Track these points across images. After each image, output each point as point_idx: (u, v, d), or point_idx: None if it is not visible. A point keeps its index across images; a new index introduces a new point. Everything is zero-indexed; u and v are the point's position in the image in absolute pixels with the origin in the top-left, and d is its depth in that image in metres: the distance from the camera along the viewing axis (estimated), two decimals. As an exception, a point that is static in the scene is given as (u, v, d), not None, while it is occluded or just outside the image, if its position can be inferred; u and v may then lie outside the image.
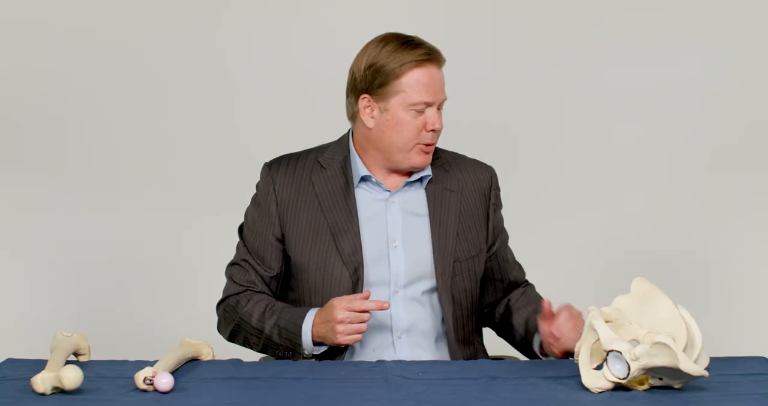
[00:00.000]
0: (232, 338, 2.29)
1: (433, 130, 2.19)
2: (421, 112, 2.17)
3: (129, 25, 3.68)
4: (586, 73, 3.71)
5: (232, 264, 2.32)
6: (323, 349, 2.14)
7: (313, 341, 2.12)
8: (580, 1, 3.71)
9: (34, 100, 3.68)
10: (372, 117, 2.20)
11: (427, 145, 2.20)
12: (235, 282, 2.28)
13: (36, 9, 3.67)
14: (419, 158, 2.21)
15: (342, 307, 2.05)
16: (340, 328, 2.05)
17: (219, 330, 2.34)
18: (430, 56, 2.19)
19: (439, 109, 2.21)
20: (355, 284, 2.17)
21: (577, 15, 3.71)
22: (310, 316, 2.12)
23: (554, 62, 3.72)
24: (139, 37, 3.68)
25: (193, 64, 3.71)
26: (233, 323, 2.25)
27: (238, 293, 2.27)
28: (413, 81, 2.17)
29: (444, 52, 3.57)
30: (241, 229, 2.33)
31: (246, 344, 2.27)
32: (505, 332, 2.35)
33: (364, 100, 2.20)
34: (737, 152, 3.70)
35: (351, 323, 2.05)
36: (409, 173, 2.26)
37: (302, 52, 3.63)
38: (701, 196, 3.72)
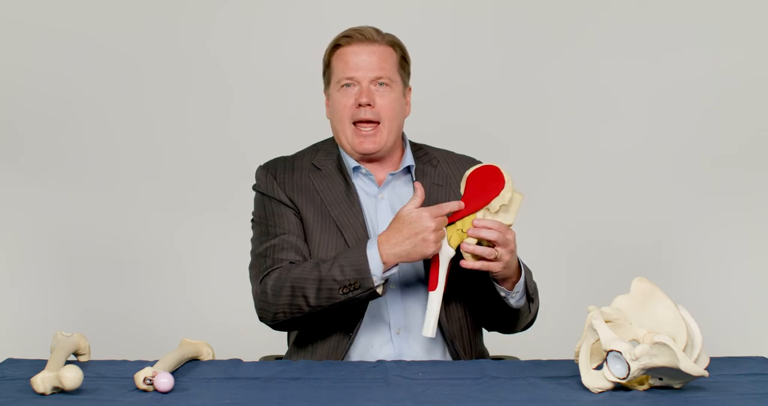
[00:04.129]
0: (278, 315, 2.14)
1: (361, 105, 2.20)
2: (349, 89, 2.22)
3: (126, 28, 3.69)
4: (587, 74, 3.72)
5: (261, 245, 2.22)
6: (392, 272, 2.08)
7: (384, 265, 2.05)
8: (584, 2, 3.72)
9: (30, 102, 3.70)
10: (328, 107, 2.30)
11: (361, 122, 2.21)
12: (275, 258, 2.18)
13: (32, 12, 3.67)
14: (358, 141, 2.22)
15: (431, 215, 2.01)
16: (433, 237, 2.01)
17: (262, 314, 2.17)
18: (351, 37, 2.23)
19: (381, 87, 2.21)
20: None
21: (579, 16, 3.72)
22: (373, 242, 2.07)
23: (555, 64, 3.72)
24: (136, 39, 3.70)
25: (188, 66, 3.72)
26: (282, 290, 2.11)
27: (279, 267, 2.16)
28: (336, 61, 2.25)
29: (444, 53, 3.58)
30: (255, 228, 2.29)
31: (297, 313, 2.11)
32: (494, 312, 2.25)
33: (325, 95, 2.31)
34: (739, 152, 3.71)
35: (439, 229, 2.02)
36: (394, 165, 2.29)
37: (297, 53, 3.64)
38: (702, 196, 3.73)
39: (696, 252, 3.73)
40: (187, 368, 1.94)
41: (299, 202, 2.24)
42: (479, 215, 2.02)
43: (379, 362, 2.01)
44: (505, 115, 3.71)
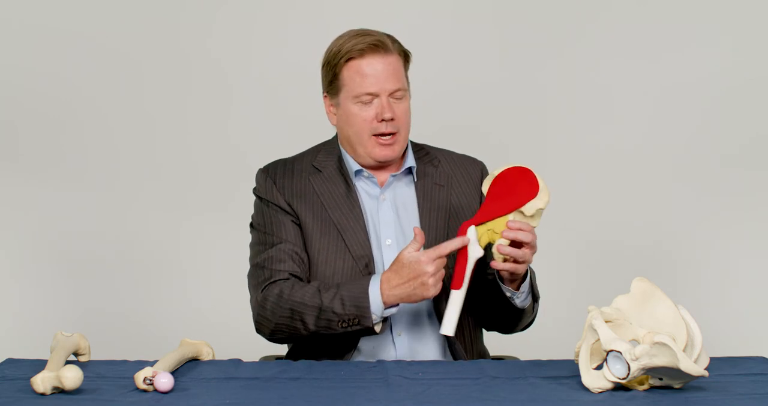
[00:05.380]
0: (275, 332, 2.15)
1: (384, 120, 2.18)
2: (368, 103, 2.19)
3: (126, 28, 3.69)
4: (587, 74, 3.72)
5: (259, 256, 2.22)
6: (393, 311, 2.09)
7: (384, 304, 2.06)
8: (584, 2, 3.72)
9: (30, 102, 3.69)
10: (334, 114, 2.27)
11: (382, 135, 2.20)
12: (273, 270, 2.17)
13: (32, 12, 3.67)
14: (378, 150, 2.21)
15: (429, 260, 2.01)
16: (432, 281, 2.01)
17: (259, 327, 2.18)
18: (366, 47, 2.18)
19: (397, 98, 2.20)
20: None
21: (579, 16, 3.72)
22: (375, 280, 2.07)
23: (555, 64, 3.72)
24: (136, 39, 3.70)
25: (188, 67, 3.72)
26: (281, 310, 2.11)
27: (283, 280, 2.15)
28: (352, 73, 2.19)
29: (444, 53, 3.57)
30: (253, 234, 2.29)
31: (294, 333, 2.12)
32: (493, 305, 2.23)
33: (326, 100, 2.28)
34: (739, 152, 3.70)
35: (438, 272, 2.02)
36: (396, 167, 2.28)
37: (297, 53, 3.64)
38: (703, 196, 3.73)
39: (696, 252, 3.73)
40: (187, 368, 1.94)
41: (298, 207, 2.23)
42: (510, 216, 2.03)
43: (379, 362, 2.01)
44: (505, 115, 3.71)
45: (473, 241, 2.02)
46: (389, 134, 2.20)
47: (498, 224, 2.03)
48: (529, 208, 2.03)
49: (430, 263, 2.01)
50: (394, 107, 2.19)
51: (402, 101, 2.21)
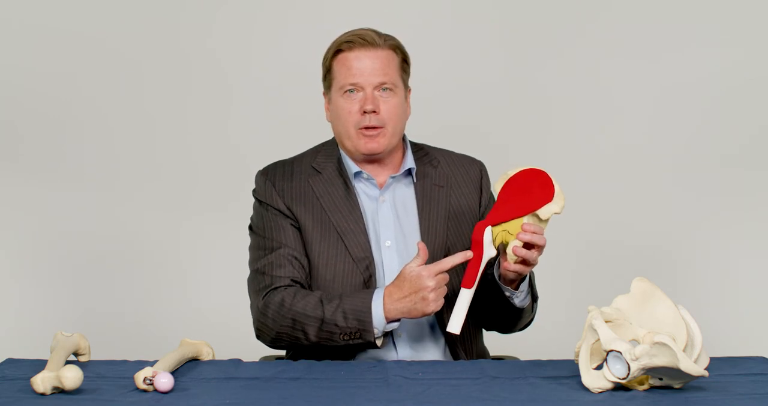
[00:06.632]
0: (276, 341, 2.17)
1: (366, 112, 2.19)
2: (353, 95, 2.20)
3: (126, 28, 3.69)
4: (587, 74, 3.72)
5: (258, 261, 2.22)
6: (395, 326, 2.10)
7: (386, 319, 2.07)
8: (584, 2, 3.72)
9: (30, 102, 3.69)
10: (329, 111, 2.29)
11: (366, 128, 2.20)
12: (273, 276, 2.17)
13: (32, 12, 3.67)
14: (363, 143, 2.21)
15: (430, 275, 2.02)
16: (432, 296, 2.02)
17: (260, 334, 2.19)
18: (354, 40, 2.21)
19: (384, 92, 2.20)
20: (368, 281, 2.18)
21: (579, 16, 3.72)
22: (378, 294, 2.07)
23: (555, 64, 3.72)
24: (136, 39, 3.69)
25: (188, 67, 3.72)
26: (283, 319, 2.12)
27: (284, 287, 2.15)
28: (338, 66, 2.22)
29: (444, 53, 3.57)
30: (252, 237, 2.28)
31: (295, 342, 2.14)
32: (492, 306, 2.23)
33: (325, 98, 2.30)
34: (739, 152, 3.70)
35: (439, 287, 2.03)
36: (395, 168, 2.29)
37: (297, 54, 3.64)
38: (703, 196, 3.72)
39: (696, 252, 3.73)
40: (187, 368, 1.94)
41: (298, 211, 2.23)
42: (524, 219, 2.03)
43: (379, 362, 2.01)
44: (505, 115, 3.71)
45: (488, 241, 2.02)
46: (372, 128, 2.20)
47: (513, 225, 2.03)
48: (545, 212, 2.03)
49: (431, 278, 2.02)
50: (379, 101, 2.20)
51: (391, 97, 2.21)
